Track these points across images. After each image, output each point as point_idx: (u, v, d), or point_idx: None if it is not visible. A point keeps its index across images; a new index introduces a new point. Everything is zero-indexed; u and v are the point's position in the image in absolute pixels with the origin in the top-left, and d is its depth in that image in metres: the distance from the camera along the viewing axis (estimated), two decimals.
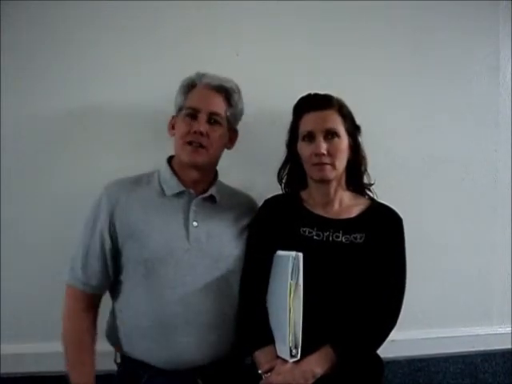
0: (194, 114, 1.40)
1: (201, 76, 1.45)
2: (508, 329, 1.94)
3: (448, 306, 1.89)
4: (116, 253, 1.38)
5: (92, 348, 1.40)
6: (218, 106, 1.42)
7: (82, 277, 1.38)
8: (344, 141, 1.41)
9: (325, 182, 1.42)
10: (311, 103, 1.42)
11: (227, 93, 1.43)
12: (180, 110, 1.45)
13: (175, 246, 1.36)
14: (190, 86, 1.45)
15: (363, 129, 1.48)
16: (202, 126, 1.38)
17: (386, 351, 1.42)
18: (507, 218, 1.97)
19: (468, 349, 1.91)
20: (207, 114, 1.40)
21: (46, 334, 1.41)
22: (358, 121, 1.47)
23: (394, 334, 1.39)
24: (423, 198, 1.86)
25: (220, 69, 1.48)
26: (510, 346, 1.93)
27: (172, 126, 1.47)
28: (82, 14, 1.62)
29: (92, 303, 1.42)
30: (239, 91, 1.47)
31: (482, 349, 1.92)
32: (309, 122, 1.41)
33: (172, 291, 1.34)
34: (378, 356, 1.42)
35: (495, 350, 1.93)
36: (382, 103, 1.81)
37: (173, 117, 1.48)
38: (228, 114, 1.44)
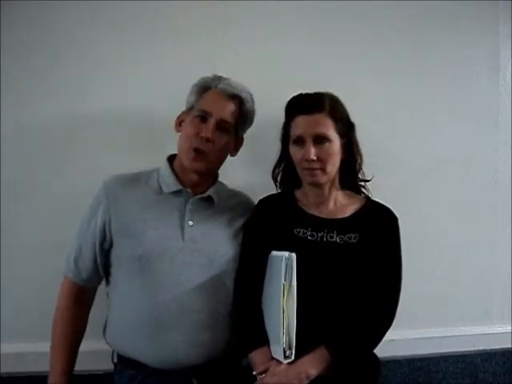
0: (204, 117, 1.40)
1: (217, 80, 1.44)
2: (508, 328, 1.94)
3: (448, 306, 1.89)
4: (109, 249, 1.40)
5: (68, 345, 1.41)
6: (229, 113, 1.41)
7: (74, 268, 1.41)
8: (335, 144, 1.38)
9: (317, 184, 1.41)
10: (301, 106, 1.38)
11: (240, 102, 1.43)
12: (191, 108, 1.44)
13: (169, 244, 1.37)
14: (204, 88, 1.44)
15: (363, 129, 1.46)
16: (209, 132, 1.38)
17: (385, 351, 1.42)
18: (507, 218, 1.96)
19: (468, 348, 1.91)
20: (217, 120, 1.40)
21: (46, 333, 1.41)
22: (358, 121, 1.46)
23: (393, 334, 1.39)
24: (423, 198, 1.86)
25: (220, 68, 1.48)
26: (509, 346, 1.93)
27: (179, 122, 1.47)
28: (82, 13, 1.62)
29: (83, 297, 1.44)
30: (253, 101, 1.47)
31: (481, 348, 1.92)
32: (299, 126, 1.37)
33: (166, 289, 1.34)
34: (375, 355, 1.41)
35: (495, 349, 1.93)
36: (381, 103, 1.81)
37: (182, 112, 1.47)
38: (237, 122, 1.44)
